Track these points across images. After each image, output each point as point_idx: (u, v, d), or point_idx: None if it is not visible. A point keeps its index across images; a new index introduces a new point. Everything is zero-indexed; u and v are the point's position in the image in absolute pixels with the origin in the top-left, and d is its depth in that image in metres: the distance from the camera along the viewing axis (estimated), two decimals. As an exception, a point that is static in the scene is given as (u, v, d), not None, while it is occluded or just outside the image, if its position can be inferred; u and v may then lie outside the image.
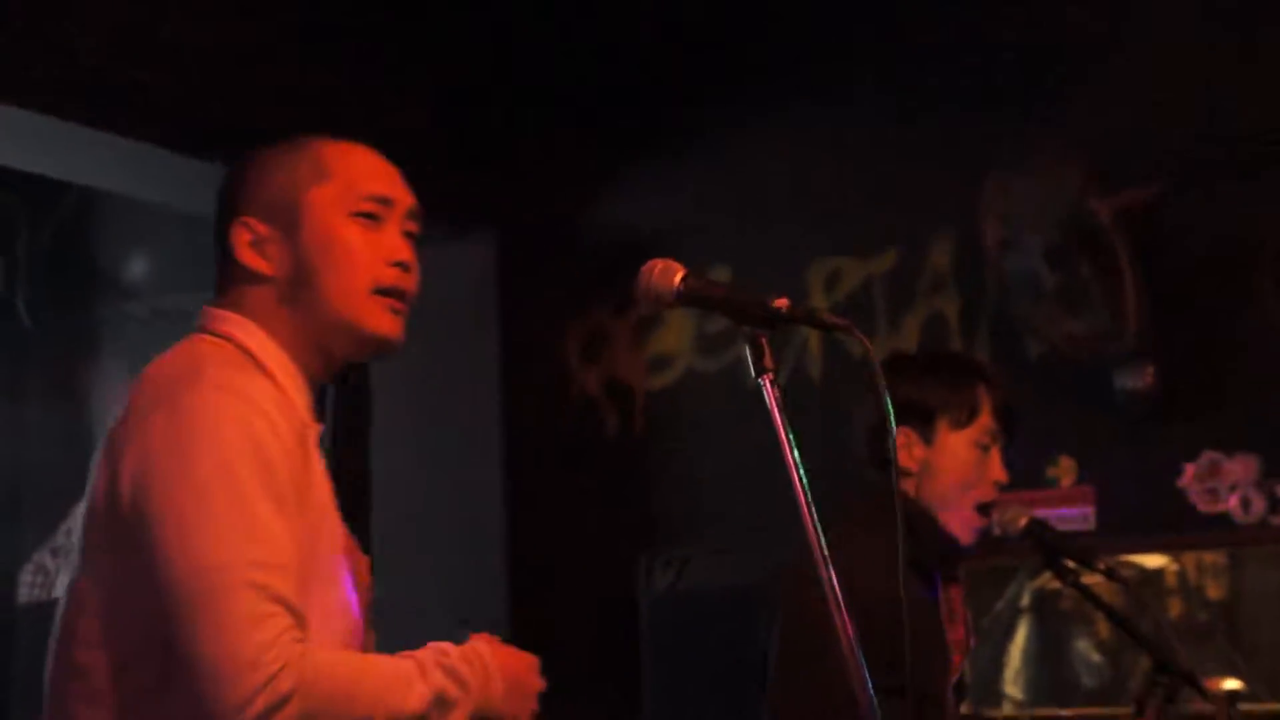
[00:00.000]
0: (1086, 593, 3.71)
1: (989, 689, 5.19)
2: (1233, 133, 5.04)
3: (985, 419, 3.63)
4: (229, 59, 5.32)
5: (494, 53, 6.04)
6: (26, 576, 6.80)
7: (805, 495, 2.30)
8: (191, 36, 5.16)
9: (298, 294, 2.53)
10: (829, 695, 2.58)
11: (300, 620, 2.26)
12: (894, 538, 2.83)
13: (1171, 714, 3.56)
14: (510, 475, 5.50)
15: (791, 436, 2.22)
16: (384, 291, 2.52)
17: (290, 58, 5.53)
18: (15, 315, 6.69)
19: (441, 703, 2.40)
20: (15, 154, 5.36)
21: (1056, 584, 4.15)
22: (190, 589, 2.16)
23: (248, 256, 2.51)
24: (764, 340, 2.34)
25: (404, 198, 2.61)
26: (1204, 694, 3.57)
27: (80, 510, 2.54)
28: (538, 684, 2.55)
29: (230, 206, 2.53)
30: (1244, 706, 4.11)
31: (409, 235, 2.59)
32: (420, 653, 2.40)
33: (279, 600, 2.21)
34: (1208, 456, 4.95)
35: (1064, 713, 4.84)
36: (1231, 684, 4.26)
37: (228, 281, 2.55)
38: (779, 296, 2.27)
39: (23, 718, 6.71)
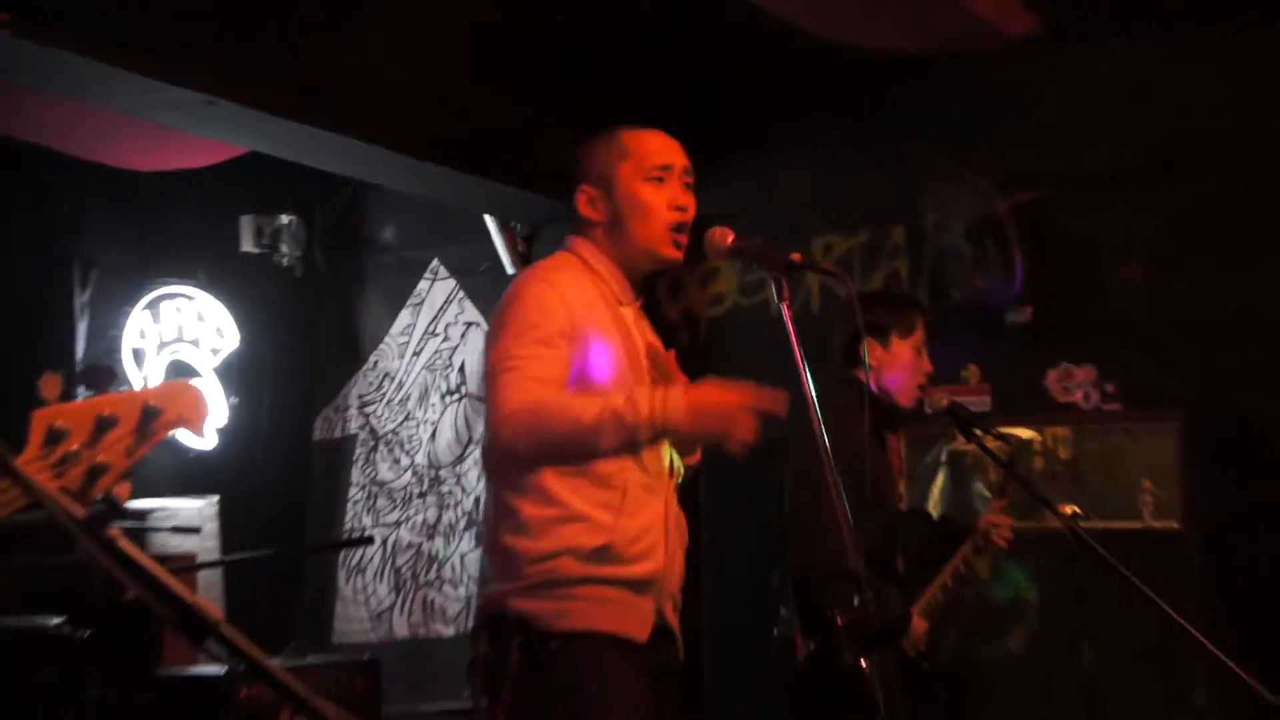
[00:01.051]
0: (985, 450, 4.49)
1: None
2: (1088, 160, 5.35)
3: (919, 332, 4.40)
4: (445, 98, 5.57)
5: (586, 67, 5.87)
6: (318, 423, 7.40)
7: (807, 382, 2.83)
8: (430, 80, 5.50)
9: (615, 233, 3.06)
10: (828, 511, 3.01)
11: (544, 388, 2.87)
12: (864, 409, 3.77)
13: (1019, 491, 4.47)
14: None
15: (799, 346, 2.81)
16: (672, 228, 3.03)
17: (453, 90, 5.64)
18: (315, 262, 7.18)
19: (615, 417, 2.80)
20: (318, 159, 5.74)
21: (965, 446, 5.06)
22: (488, 374, 2.87)
23: (585, 210, 3.08)
24: (784, 281, 2.89)
25: (679, 161, 3.10)
26: (1055, 512, 4.22)
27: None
28: (732, 400, 2.80)
29: (576, 177, 3.13)
30: (1082, 524, 4.27)
31: (687, 185, 3.09)
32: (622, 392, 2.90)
33: (534, 379, 2.84)
34: (1063, 366, 5.42)
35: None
36: (1071, 508, 4.75)
37: (578, 223, 3.14)
38: (794, 252, 2.89)
39: (319, 522, 7.29)
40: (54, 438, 1.87)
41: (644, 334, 3.25)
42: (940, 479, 5.75)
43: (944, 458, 5.72)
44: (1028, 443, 5.52)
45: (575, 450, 2.89)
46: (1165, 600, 3.81)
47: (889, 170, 5.81)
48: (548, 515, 3.00)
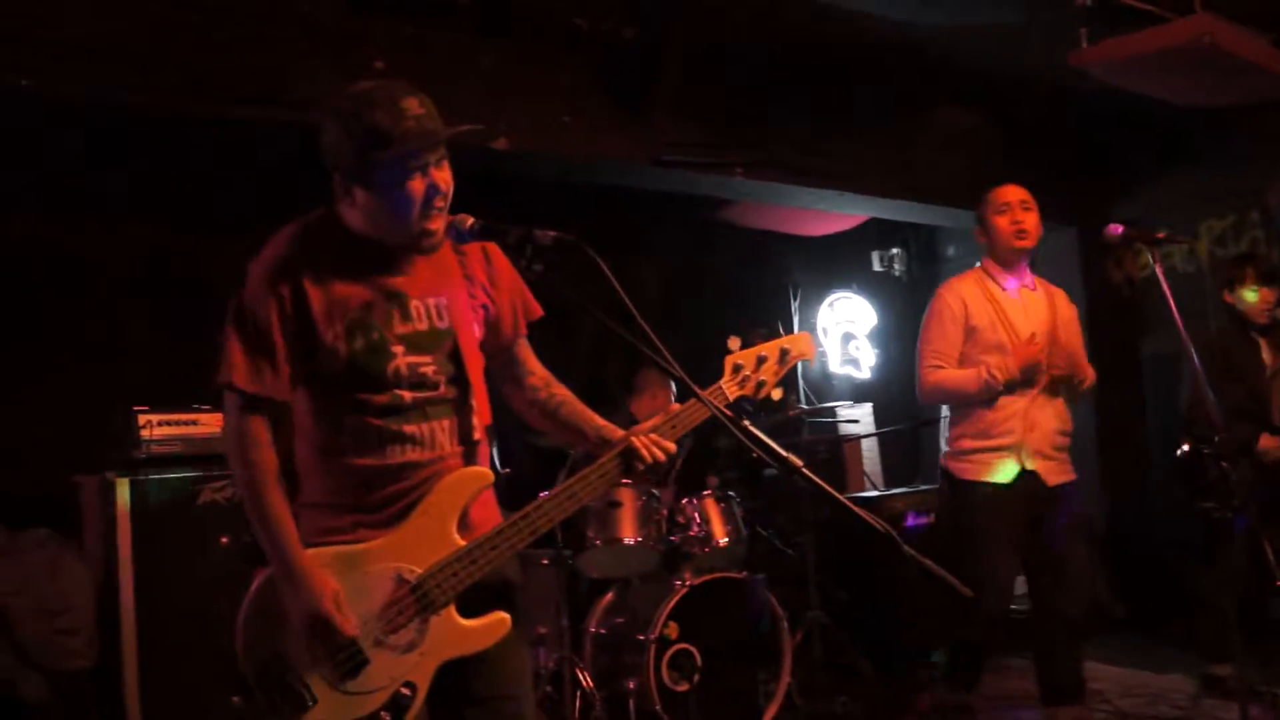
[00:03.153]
0: None
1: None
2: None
3: (1250, 277, 4.88)
4: (965, 179, 5.75)
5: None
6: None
7: (1175, 311, 3.25)
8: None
9: (991, 250, 3.98)
10: (1199, 392, 3.90)
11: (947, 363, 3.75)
12: (1236, 325, 4.59)
13: None
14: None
15: (1170, 292, 3.28)
16: (1015, 235, 3.89)
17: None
18: (913, 272, 7.88)
19: (987, 386, 3.74)
20: (908, 216, 6.52)
21: None
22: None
23: (979, 240, 4.02)
24: (1154, 251, 3.40)
25: (1015, 197, 3.90)
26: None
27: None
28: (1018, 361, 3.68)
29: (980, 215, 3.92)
30: None
31: (1025, 208, 3.86)
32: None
33: (939, 357, 3.85)
34: None
35: None
36: None
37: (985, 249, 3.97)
38: (1159, 232, 3.47)
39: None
40: (736, 369, 2.33)
41: (1032, 309, 3.93)
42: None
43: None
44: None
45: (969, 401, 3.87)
46: None
47: (1244, 177, 6.16)
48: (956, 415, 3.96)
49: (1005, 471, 3.85)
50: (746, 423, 2.07)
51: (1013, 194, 3.96)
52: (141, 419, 3.97)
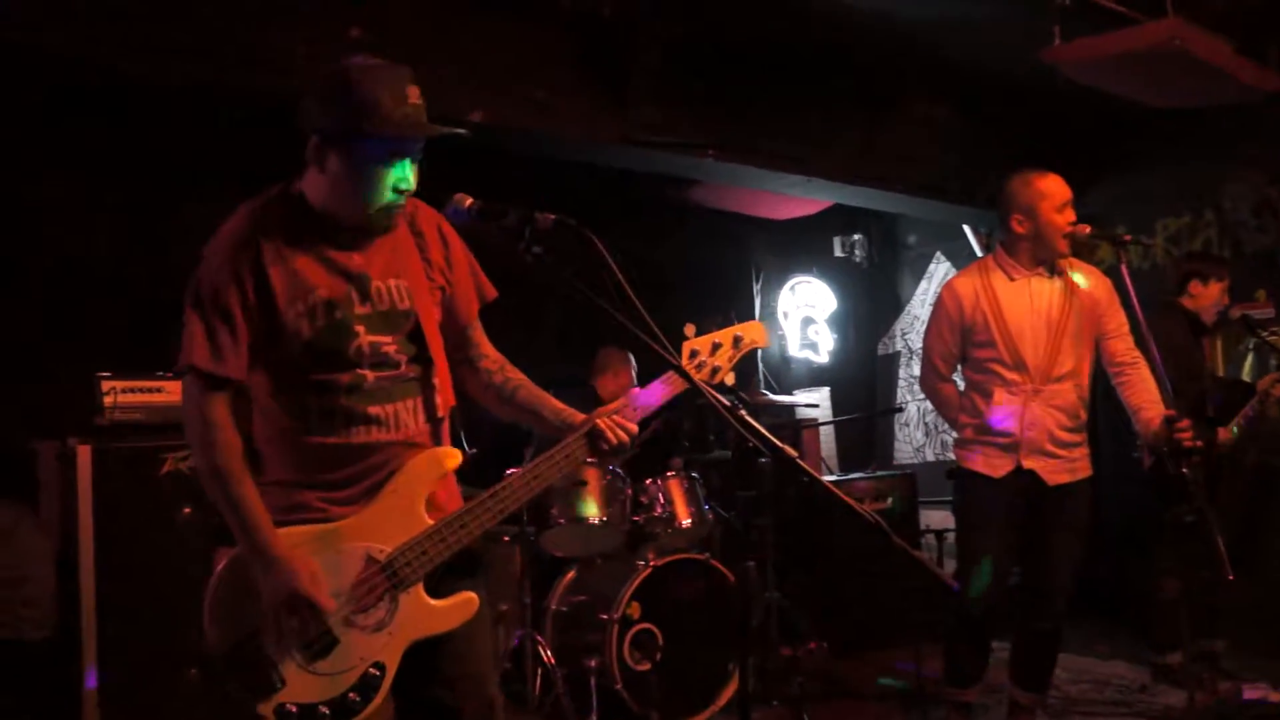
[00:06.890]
0: (1264, 341, 4.96)
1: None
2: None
3: (1226, 279, 4.91)
4: (940, 167, 6.13)
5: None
6: (880, 345, 7.97)
7: (1138, 310, 3.41)
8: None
9: (1031, 241, 3.64)
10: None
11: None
12: (1183, 322, 4.57)
13: None
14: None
15: (1132, 287, 3.33)
16: (1064, 236, 3.58)
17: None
18: (873, 258, 7.96)
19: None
20: (872, 203, 6.54)
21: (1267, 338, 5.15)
22: None
23: (1014, 228, 3.62)
24: (1121, 250, 3.53)
25: (1069, 195, 3.64)
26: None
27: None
28: None
29: (1007, 207, 3.64)
30: None
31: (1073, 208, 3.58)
32: None
33: (942, 360, 3.79)
34: None
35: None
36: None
37: (1008, 236, 3.68)
38: (1125, 234, 3.61)
39: (883, 399, 7.85)
40: (692, 354, 2.34)
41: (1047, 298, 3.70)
42: (1249, 358, 6.08)
43: (1251, 345, 6.00)
44: (1304, 334, 5.53)
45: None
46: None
47: (1201, 176, 6.24)
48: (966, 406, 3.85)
49: (1000, 467, 3.77)
50: (742, 412, 2.05)
51: (1068, 193, 3.74)
52: (104, 385, 3.87)
